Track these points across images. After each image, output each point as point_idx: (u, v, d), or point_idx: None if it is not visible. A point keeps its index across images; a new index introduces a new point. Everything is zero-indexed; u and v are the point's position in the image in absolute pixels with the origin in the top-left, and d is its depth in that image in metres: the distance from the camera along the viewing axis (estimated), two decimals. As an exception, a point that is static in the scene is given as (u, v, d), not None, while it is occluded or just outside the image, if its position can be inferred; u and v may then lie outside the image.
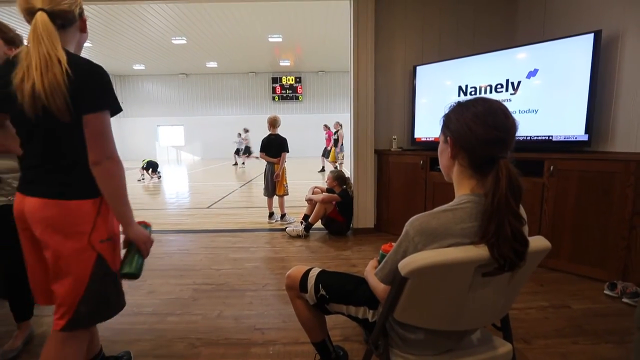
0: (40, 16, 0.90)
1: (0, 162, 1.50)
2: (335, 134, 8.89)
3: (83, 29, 1.06)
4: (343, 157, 8.73)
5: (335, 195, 3.43)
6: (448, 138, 0.84)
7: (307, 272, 1.22)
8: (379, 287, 0.88)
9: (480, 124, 0.76)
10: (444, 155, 0.88)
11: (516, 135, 0.78)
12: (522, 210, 0.78)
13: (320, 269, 1.23)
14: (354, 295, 1.10)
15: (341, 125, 8.83)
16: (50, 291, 1.03)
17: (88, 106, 0.95)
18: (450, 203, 0.81)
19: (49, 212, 0.96)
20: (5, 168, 1.53)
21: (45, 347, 1.06)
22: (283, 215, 4.06)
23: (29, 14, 0.92)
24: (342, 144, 8.70)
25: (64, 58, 0.90)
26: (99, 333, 1.43)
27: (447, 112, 0.86)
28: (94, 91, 0.95)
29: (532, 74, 2.57)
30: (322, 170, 9.53)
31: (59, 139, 0.97)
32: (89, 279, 1.01)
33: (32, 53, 0.89)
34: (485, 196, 0.74)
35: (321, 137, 17.26)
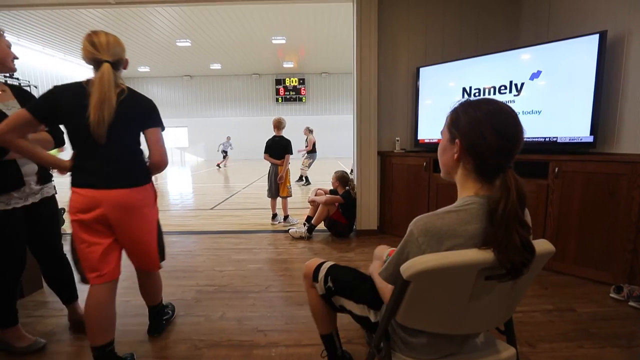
0: (107, 68, 1.28)
1: (27, 167, 1.56)
2: (306, 140, 8.32)
3: (125, 67, 1.45)
4: (310, 164, 7.89)
5: (338, 196, 3.43)
6: (457, 140, 0.81)
7: (322, 263, 1.27)
8: (385, 287, 0.88)
9: (496, 134, 0.74)
10: (447, 153, 0.86)
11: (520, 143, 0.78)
12: (528, 217, 0.77)
13: (333, 263, 1.26)
14: (356, 291, 1.11)
15: (311, 131, 8.23)
16: (103, 266, 1.40)
17: (148, 125, 1.42)
18: (455, 204, 0.80)
19: (136, 196, 1.40)
20: (30, 172, 1.58)
21: (147, 281, 1.71)
22: (286, 217, 4.06)
23: (95, 62, 1.29)
24: (312, 150, 7.99)
25: (113, 99, 1.28)
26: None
27: (455, 109, 0.83)
28: (150, 116, 1.44)
29: (536, 75, 2.55)
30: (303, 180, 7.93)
31: (128, 147, 1.40)
32: (157, 232, 1.60)
33: (95, 92, 1.25)
34: (487, 199, 0.76)
35: (325, 138, 17.34)
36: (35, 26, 9.40)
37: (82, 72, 14.37)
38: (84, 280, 1.44)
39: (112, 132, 1.30)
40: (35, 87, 10.86)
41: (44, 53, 11.91)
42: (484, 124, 0.75)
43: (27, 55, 11.09)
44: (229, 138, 13.81)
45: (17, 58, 1.59)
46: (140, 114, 1.40)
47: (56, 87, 1.29)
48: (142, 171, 1.46)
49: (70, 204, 1.33)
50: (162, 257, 1.68)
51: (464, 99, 0.84)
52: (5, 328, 1.60)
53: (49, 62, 12.36)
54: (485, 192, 0.78)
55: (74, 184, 1.33)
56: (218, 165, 13.39)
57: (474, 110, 0.79)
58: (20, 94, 1.60)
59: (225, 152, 13.62)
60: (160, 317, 1.80)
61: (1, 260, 1.51)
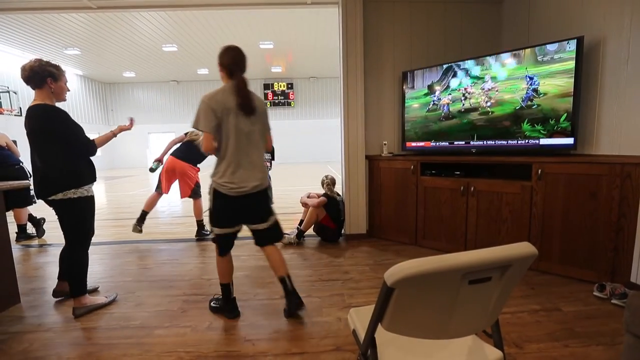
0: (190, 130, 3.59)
1: None
2: None
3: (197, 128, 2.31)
4: None
5: (323, 198, 3.42)
6: (219, 65, 1.84)
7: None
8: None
9: (227, 57, 1.81)
10: (221, 74, 1.86)
11: (245, 61, 1.84)
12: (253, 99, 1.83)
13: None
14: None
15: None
16: (168, 187, 3.69)
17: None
18: (220, 88, 1.79)
19: (187, 167, 3.63)
20: None
21: (195, 204, 3.75)
22: None
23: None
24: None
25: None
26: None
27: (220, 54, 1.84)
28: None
29: (518, 78, 2.61)
30: None
31: (189, 149, 3.68)
32: (194, 184, 3.71)
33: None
34: (232, 83, 1.79)
35: (314, 143, 17.36)
36: (15, 31, 9.14)
37: (65, 77, 14.02)
38: (159, 191, 3.64)
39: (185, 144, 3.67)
40: (15, 93, 10.55)
41: (24, 58, 11.59)
42: (222, 54, 1.82)
43: (6, 61, 10.77)
44: None
45: (69, 90, 2.10)
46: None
47: None
48: (195, 159, 3.63)
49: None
50: (197, 195, 3.68)
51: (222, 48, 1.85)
52: (63, 280, 2.23)
53: (30, 68, 12.01)
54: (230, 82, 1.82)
55: (171, 155, 3.63)
56: None
57: (223, 52, 1.83)
58: None
59: None
60: (201, 227, 3.76)
61: (93, 228, 2.17)
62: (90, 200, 2.07)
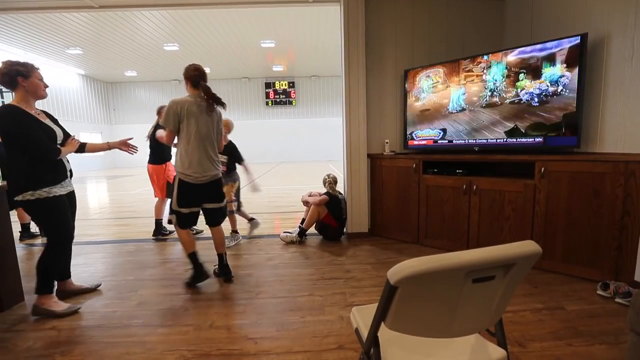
0: None
1: (67, 165, 2.19)
2: None
3: None
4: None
5: (324, 196, 3.42)
6: (185, 78, 2.29)
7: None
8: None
9: (192, 70, 2.27)
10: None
11: (205, 76, 2.32)
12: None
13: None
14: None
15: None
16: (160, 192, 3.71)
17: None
18: (185, 96, 2.24)
19: (154, 169, 3.64)
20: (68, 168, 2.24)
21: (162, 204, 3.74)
22: (233, 231, 3.55)
23: None
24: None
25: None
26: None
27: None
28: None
29: (521, 75, 2.60)
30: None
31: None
32: (166, 183, 3.63)
33: None
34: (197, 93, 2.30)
35: (316, 141, 17.35)
36: (17, 30, 9.17)
37: (64, 76, 14.08)
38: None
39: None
40: (18, 93, 10.56)
41: (26, 58, 11.61)
42: (187, 71, 2.29)
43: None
44: None
45: (47, 86, 2.05)
46: None
47: None
48: (157, 154, 3.60)
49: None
50: (169, 196, 3.21)
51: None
52: (62, 280, 2.28)
53: (32, 67, 12.04)
54: (195, 92, 2.28)
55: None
56: None
57: (187, 70, 2.30)
58: (50, 116, 2.16)
59: None
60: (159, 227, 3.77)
61: (65, 229, 2.09)
62: (52, 202, 1.99)
